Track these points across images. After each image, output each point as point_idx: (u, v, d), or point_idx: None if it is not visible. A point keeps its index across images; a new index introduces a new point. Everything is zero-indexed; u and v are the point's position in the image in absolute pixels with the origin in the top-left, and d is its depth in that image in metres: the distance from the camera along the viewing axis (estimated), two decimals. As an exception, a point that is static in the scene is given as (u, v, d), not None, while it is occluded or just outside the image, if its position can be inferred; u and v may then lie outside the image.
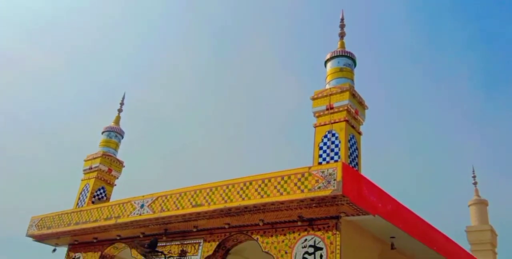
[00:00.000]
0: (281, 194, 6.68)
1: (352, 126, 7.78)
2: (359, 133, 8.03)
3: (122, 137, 12.44)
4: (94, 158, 11.73)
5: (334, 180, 6.24)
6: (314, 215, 6.80)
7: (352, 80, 8.30)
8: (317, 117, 7.99)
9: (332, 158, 7.40)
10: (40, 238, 10.89)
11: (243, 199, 7.09)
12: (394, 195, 7.41)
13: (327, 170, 6.38)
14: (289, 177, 6.72)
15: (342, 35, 9.07)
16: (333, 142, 7.51)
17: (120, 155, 12.19)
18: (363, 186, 6.65)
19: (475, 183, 18.12)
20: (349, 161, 7.34)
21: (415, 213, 8.04)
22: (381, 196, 7.00)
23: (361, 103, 8.17)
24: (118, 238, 9.47)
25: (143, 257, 8.76)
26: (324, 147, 7.61)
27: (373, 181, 6.98)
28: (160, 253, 8.43)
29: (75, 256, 10.47)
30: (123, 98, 12.86)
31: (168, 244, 8.60)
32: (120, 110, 12.70)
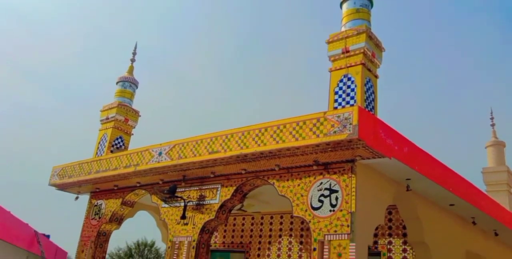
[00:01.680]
0: (297, 139, 6.68)
1: (369, 70, 7.61)
2: (376, 77, 7.86)
3: (137, 87, 12.46)
4: (110, 108, 11.83)
5: (350, 124, 6.19)
6: (330, 159, 6.84)
7: (369, 22, 8.00)
8: (333, 61, 7.81)
9: (348, 102, 7.31)
10: (62, 187, 11.24)
11: (259, 145, 7.13)
12: (411, 138, 7.39)
13: (343, 115, 6.33)
14: (304, 123, 6.69)
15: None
16: (349, 87, 7.39)
17: (135, 105, 12.27)
18: (379, 130, 6.61)
19: (492, 125, 17.98)
20: (365, 105, 7.25)
21: (432, 155, 8.04)
22: (397, 139, 6.97)
23: (378, 45, 7.93)
24: (138, 185, 9.72)
25: (163, 203, 9.02)
26: (340, 92, 7.50)
27: (390, 124, 6.92)
28: (179, 198, 8.66)
29: (97, 203, 10.83)
30: (135, 48, 12.76)
31: (187, 189, 8.81)
32: (133, 60, 12.63)
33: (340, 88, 7.48)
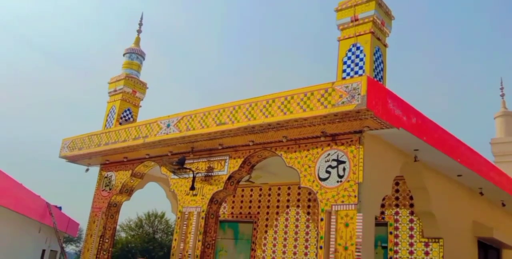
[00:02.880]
0: (304, 110, 6.65)
1: (378, 38, 7.47)
2: (385, 46, 7.73)
3: (144, 59, 12.39)
4: (118, 81, 11.82)
5: (359, 94, 6.14)
6: (337, 130, 6.82)
7: (378, -11, 7.81)
8: (341, 30, 7.66)
9: (356, 72, 7.22)
10: (72, 159, 11.37)
11: (266, 116, 7.11)
12: (420, 108, 7.33)
13: (351, 85, 6.26)
14: (312, 94, 6.65)
15: None
16: (357, 56, 7.28)
17: (142, 77, 12.24)
18: (388, 100, 6.55)
19: (502, 95, 17.78)
20: (374, 75, 7.16)
21: (440, 126, 7.99)
22: (406, 110, 6.92)
23: (387, 13, 7.76)
24: (147, 156, 9.80)
25: (172, 174, 9.12)
26: (348, 62, 7.40)
27: (398, 95, 6.86)
28: (188, 170, 8.74)
29: (107, 175, 10.97)
30: (141, 19, 12.61)
31: (196, 161, 8.88)
32: (139, 31, 12.51)
33: (349, 58, 7.38)
